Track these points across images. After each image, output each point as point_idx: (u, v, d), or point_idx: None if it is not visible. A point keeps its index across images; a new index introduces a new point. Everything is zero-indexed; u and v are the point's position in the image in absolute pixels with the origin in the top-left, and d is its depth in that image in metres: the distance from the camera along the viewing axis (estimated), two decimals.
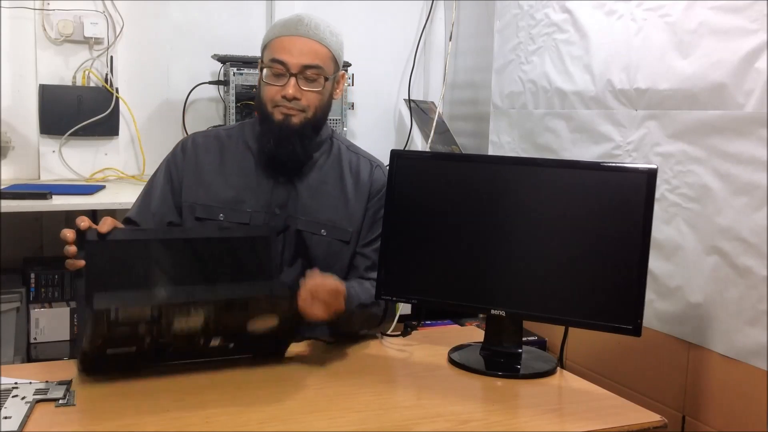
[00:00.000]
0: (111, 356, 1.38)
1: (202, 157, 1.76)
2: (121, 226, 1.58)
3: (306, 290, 1.45)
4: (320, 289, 1.46)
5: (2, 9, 2.62)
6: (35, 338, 2.44)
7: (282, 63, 1.66)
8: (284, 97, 1.66)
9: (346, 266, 1.75)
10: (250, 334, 1.45)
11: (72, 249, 1.52)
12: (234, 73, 2.72)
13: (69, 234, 1.52)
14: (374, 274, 1.70)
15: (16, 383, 1.36)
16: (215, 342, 1.45)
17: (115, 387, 1.39)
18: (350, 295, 1.56)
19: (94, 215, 2.74)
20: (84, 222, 1.53)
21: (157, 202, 1.75)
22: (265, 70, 1.69)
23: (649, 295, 1.94)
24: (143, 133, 2.85)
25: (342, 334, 1.69)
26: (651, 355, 2.07)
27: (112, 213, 2.56)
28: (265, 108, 1.70)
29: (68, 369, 1.46)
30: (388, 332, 1.75)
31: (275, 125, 1.69)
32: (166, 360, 1.45)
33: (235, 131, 1.82)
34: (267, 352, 1.53)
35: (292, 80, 1.66)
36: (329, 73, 1.70)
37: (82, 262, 1.51)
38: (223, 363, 1.51)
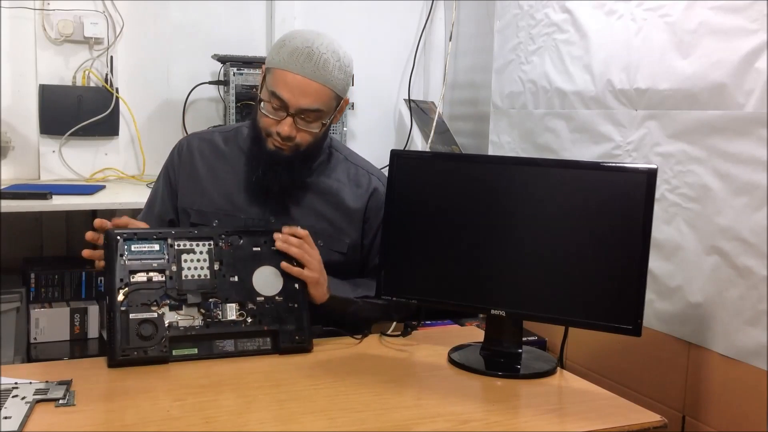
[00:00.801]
0: (135, 326, 1.46)
1: (197, 162, 1.76)
2: (139, 224, 1.62)
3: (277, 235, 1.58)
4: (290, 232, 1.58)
5: (2, 9, 2.62)
6: (35, 338, 2.44)
7: (281, 100, 1.60)
8: (278, 133, 1.63)
9: (344, 277, 1.74)
10: (266, 308, 1.55)
11: (98, 253, 1.56)
12: (234, 73, 2.72)
13: (94, 235, 1.56)
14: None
15: (16, 383, 1.36)
16: (232, 314, 1.53)
17: (115, 387, 1.39)
18: (334, 282, 1.63)
19: (94, 215, 2.75)
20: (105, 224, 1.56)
21: (159, 205, 1.78)
22: (264, 101, 1.64)
23: (649, 295, 1.94)
24: (143, 133, 2.85)
25: (353, 322, 1.73)
26: (651, 355, 2.07)
27: (112, 213, 2.58)
28: (259, 132, 1.67)
29: (68, 369, 1.46)
30: (388, 332, 1.75)
31: (265, 153, 1.66)
32: (183, 343, 1.51)
33: (231, 135, 1.81)
34: (290, 338, 1.57)
35: (289, 120, 1.61)
36: (329, 114, 1.66)
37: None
38: (224, 363, 1.51)
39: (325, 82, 1.60)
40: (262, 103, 1.64)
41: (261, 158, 1.67)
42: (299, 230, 1.58)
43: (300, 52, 1.59)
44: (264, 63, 1.69)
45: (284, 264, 1.57)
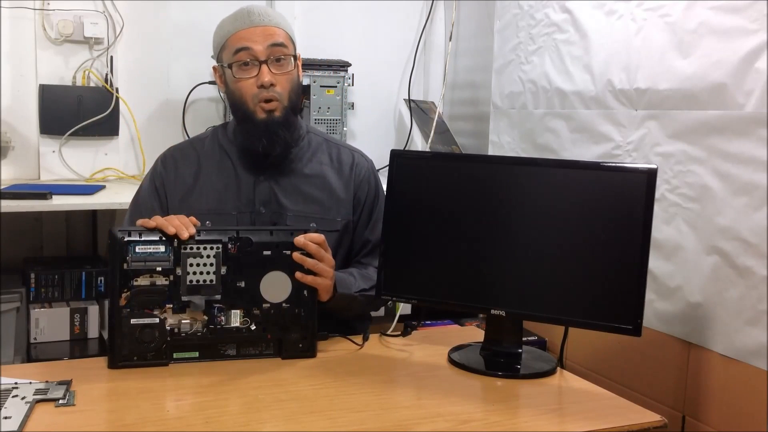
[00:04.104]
0: (137, 331, 1.46)
1: (181, 169, 1.78)
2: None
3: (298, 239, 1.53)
4: (307, 239, 1.54)
5: (2, 9, 2.61)
6: (35, 338, 2.44)
7: (249, 51, 1.68)
8: (262, 86, 1.67)
9: (341, 256, 1.77)
10: (271, 314, 1.52)
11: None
12: None
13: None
14: (372, 260, 1.76)
15: (16, 383, 1.36)
16: (236, 320, 1.51)
17: (115, 387, 1.39)
18: (340, 278, 1.63)
19: (94, 215, 2.75)
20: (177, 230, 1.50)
21: (146, 215, 1.75)
22: (233, 67, 1.70)
23: (649, 295, 1.94)
24: (143, 133, 2.85)
25: (349, 318, 1.75)
26: (651, 355, 2.07)
27: (111, 213, 2.58)
28: (246, 107, 1.71)
29: (68, 369, 1.46)
30: (388, 332, 1.75)
31: (261, 124, 1.70)
32: (185, 348, 1.50)
33: (208, 138, 1.85)
34: (294, 346, 1.55)
35: (264, 67, 1.68)
36: (292, 53, 1.73)
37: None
38: (224, 364, 1.51)
39: (275, 25, 1.72)
40: (233, 69, 1.70)
41: (259, 130, 1.70)
42: (315, 236, 1.55)
43: (241, 13, 1.72)
44: (214, 65, 1.81)
45: (298, 274, 1.53)
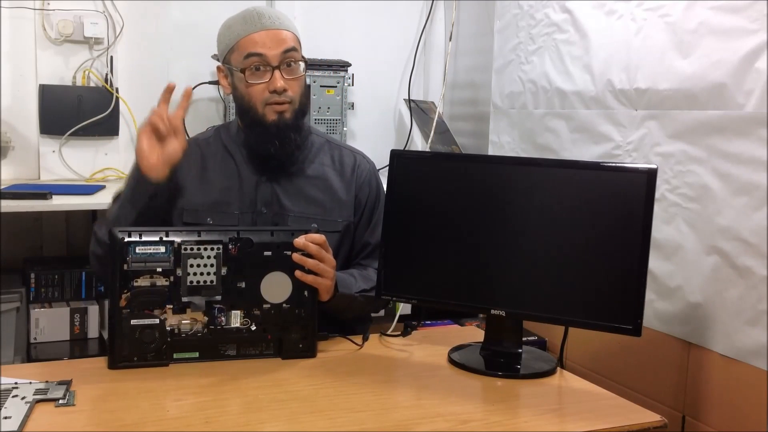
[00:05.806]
0: (137, 332, 1.46)
1: (184, 164, 1.77)
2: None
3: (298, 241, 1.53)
4: (308, 239, 1.53)
5: (2, 9, 2.61)
6: (35, 338, 2.44)
7: (261, 57, 1.67)
8: (274, 91, 1.67)
9: (342, 257, 1.77)
10: (271, 315, 1.52)
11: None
12: None
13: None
14: (372, 262, 1.77)
15: (16, 383, 1.36)
16: (236, 321, 1.51)
17: (115, 387, 1.39)
18: (340, 279, 1.63)
19: (94, 216, 2.75)
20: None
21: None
22: (245, 72, 1.69)
23: (649, 295, 1.94)
24: None
25: (350, 320, 1.75)
26: (651, 355, 2.07)
27: None
28: (255, 110, 1.70)
29: (68, 369, 1.46)
30: (388, 332, 1.75)
31: (272, 126, 1.70)
32: (185, 348, 1.50)
33: (211, 137, 1.85)
34: (294, 346, 1.55)
35: (277, 73, 1.67)
36: (301, 54, 1.73)
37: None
38: (224, 364, 1.51)
39: (286, 27, 1.71)
40: (245, 73, 1.69)
41: (270, 133, 1.70)
42: (316, 236, 1.55)
43: (251, 15, 1.70)
44: (219, 65, 1.79)
45: (298, 273, 1.53)
